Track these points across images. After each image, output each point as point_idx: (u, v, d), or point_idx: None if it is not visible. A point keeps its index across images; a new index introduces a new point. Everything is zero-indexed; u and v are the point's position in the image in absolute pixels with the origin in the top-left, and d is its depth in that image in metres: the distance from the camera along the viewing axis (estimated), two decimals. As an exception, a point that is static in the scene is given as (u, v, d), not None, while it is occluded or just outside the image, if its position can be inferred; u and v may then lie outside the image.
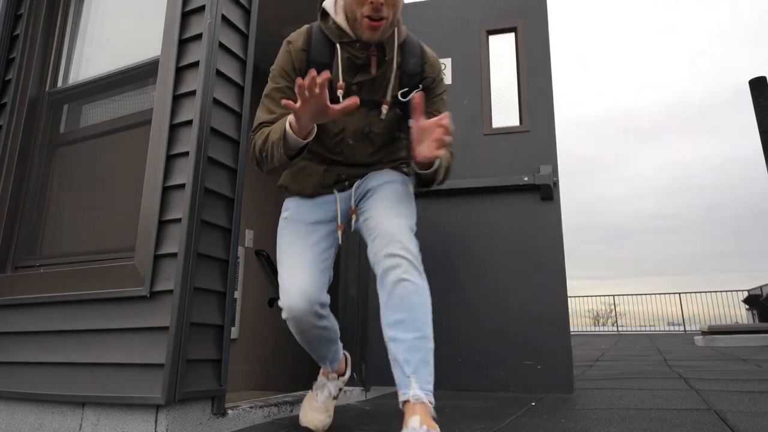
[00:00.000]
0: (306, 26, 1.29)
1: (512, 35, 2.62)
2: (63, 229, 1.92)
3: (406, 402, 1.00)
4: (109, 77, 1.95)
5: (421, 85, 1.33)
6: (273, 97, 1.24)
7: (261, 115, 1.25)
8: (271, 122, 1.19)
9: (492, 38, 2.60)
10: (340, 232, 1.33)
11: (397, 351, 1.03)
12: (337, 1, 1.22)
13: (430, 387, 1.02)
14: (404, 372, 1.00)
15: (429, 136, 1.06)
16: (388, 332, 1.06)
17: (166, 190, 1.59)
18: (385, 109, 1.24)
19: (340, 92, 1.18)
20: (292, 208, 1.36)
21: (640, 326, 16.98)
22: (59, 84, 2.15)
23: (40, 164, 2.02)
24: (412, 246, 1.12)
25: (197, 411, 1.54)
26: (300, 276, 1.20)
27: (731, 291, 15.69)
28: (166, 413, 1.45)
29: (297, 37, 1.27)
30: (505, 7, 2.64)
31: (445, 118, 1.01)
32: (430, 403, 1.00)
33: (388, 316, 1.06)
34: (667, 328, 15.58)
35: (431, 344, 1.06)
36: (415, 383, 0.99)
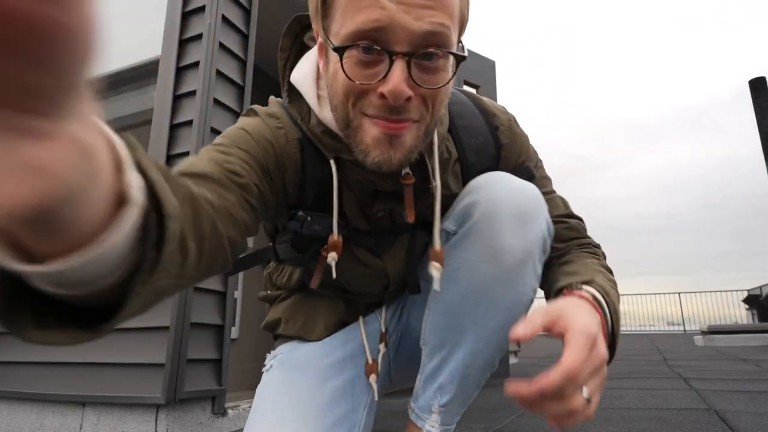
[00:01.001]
0: (279, 109, 0.72)
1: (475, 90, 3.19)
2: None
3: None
4: (108, 77, 1.96)
5: None
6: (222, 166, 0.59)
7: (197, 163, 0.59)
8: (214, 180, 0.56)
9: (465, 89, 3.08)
10: (373, 378, 0.77)
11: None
12: (319, 78, 0.68)
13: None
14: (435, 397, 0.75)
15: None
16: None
17: None
18: (436, 271, 0.66)
19: (332, 258, 0.66)
20: (285, 351, 0.84)
21: (640, 326, 16.94)
22: None
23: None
24: None
25: (197, 411, 1.55)
26: None
27: (731, 291, 15.60)
28: (167, 413, 1.46)
29: (283, 119, 0.70)
30: (472, 71, 3.55)
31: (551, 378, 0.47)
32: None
33: None
34: (666, 328, 15.57)
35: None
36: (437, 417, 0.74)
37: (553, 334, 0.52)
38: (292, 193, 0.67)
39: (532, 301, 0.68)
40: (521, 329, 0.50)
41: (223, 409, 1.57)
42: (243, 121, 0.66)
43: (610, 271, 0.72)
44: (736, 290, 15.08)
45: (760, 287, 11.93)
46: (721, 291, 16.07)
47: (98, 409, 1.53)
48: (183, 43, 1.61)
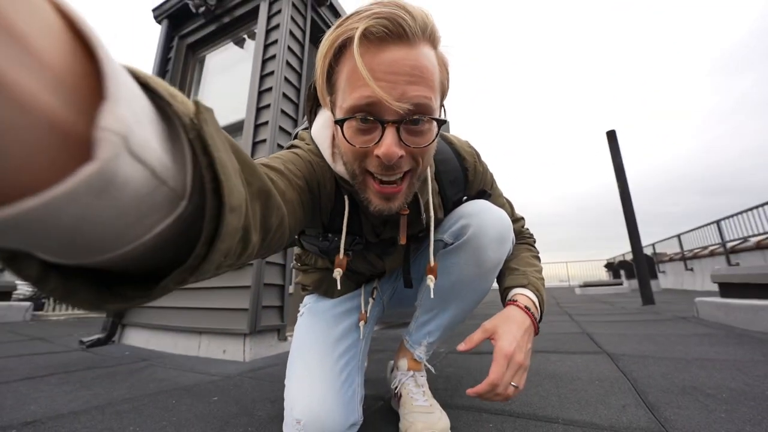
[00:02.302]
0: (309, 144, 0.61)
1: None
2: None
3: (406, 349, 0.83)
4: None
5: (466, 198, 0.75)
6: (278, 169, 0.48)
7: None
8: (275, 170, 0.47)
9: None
10: (362, 324, 0.74)
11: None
12: (327, 127, 0.58)
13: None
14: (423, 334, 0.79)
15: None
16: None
17: None
18: (432, 282, 0.59)
19: (337, 273, 0.57)
20: (312, 302, 0.83)
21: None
22: None
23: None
24: None
25: (269, 337, 1.71)
26: (315, 398, 0.62)
27: (597, 260, 15.93)
28: (250, 338, 1.58)
29: (325, 165, 0.57)
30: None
31: (492, 380, 0.51)
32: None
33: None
34: (559, 284, 15.64)
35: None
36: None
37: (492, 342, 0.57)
38: (324, 215, 0.61)
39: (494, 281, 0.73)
40: (463, 345, 0.54)
41: (284, 336, 1.76)
42: (290, 150, 0.58)
43: (538, 257, 0.78)
44: (600, 260, 15.28)
45: (614, 257, 12.10)
46: (591, 260, 16.31)
47: (209, 336, 1.68)
48: (259, 110, 1.65)
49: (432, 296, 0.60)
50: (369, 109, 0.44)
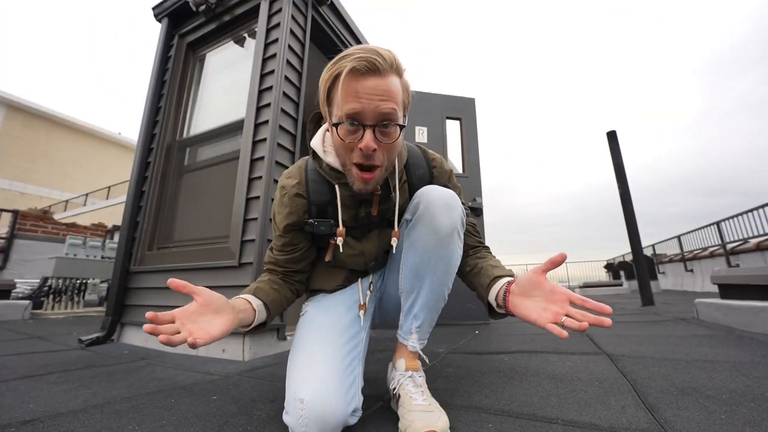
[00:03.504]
0: (299, 164, 0.87)
1: (458, 122, 3.11)
2: (186, 225, 1.94)
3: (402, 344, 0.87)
4: (213, 131, 1.98)
5: None
6: (279, 249, 0.86)
7: (270, 255, 0.90)
8: (275, 264, 0.87)
9: (448, 122, 3.19)
10: (361, 312, 0.86)
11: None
12: (324, 138, 0.82)
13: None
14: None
15: (548, 299, 0.59)
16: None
17: (248, 200, 1.78)
18: (395, 241, 0.79)
19: (339, 240, 0.79)
20: (312, 302, 0.91)
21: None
22: (185, 135, 2.45)
23: (173, 185, 2.05)
24: None
25: (268, 337, 1.73)
26: (319, 379, 0.66)
27: (596, 261, 15.93)
28: (249, 338, 1.59)
29: (289, 181, 0.84)
30: (454, 106, 3.14)
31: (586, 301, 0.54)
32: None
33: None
34: (558, 285, 15.37)
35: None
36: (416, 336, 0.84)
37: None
38: (306, 215, 0.84)
39: (460, 256, 0.80)
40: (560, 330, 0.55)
41: (284, 336, 1.78)
42: (276, 195, 0.86)
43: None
44: (599, 260, 15.29)
45: (614, 258, 12.12)
46: (591, 261, 16.35)
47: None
48: (259, 109, 1.66)
49: (394, 251, 0.84)
50: (355, 116, 0.66)
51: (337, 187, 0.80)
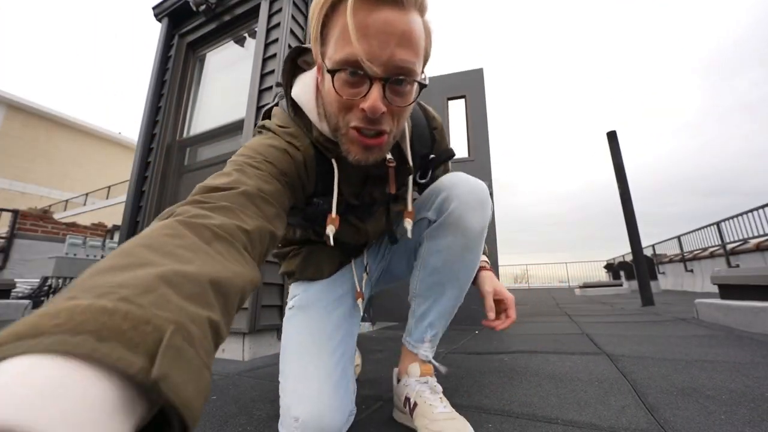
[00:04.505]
0: (287, 120, 0.60)
1: (463, 101, 2.78)
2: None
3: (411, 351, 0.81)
4: (213, 131, 1.97)
5: (431, 169, 0.76)
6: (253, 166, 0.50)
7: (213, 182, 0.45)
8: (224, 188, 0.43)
9: (450, 102, 2.91)
10: (359, 301, 0.77)
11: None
12: (310, 87, 0.59)
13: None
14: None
15: (500, 309, 0.77)
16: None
17: None
18: (409, 224, 0.65)
19: (330, 230, 0.60)
20: (300, 293, 0.79)
21: (543, 283, 17.11)
22: (185, 135, 2.45)
23: (173, 184, 2.04)
24: None
25: (268, 337, 1.71)
26: (314, 396, 0.61)
27: (596, 261, 15.94)
28: (249, 338, 1.58)
29: (292, 142, 0.57)
30: (457, 84, 2.80)
31: (510, 306, 0.75)
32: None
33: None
34: (558, 285, 15.66)
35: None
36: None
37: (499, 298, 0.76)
38: (308, 185, 0.62)
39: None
40: (491, 321, 0.73)
41: None
42: (262, 139, 0.57)
43: None
44: (599, 260, 15.30)
45: (614, 258, 12.14)
46: (590, 261, 16.29)
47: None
48: (259, 109, 1.64)
49: (410, 236, 0.66)
50: (359, 63, 0.46)
51: (334, 162, 0.60)
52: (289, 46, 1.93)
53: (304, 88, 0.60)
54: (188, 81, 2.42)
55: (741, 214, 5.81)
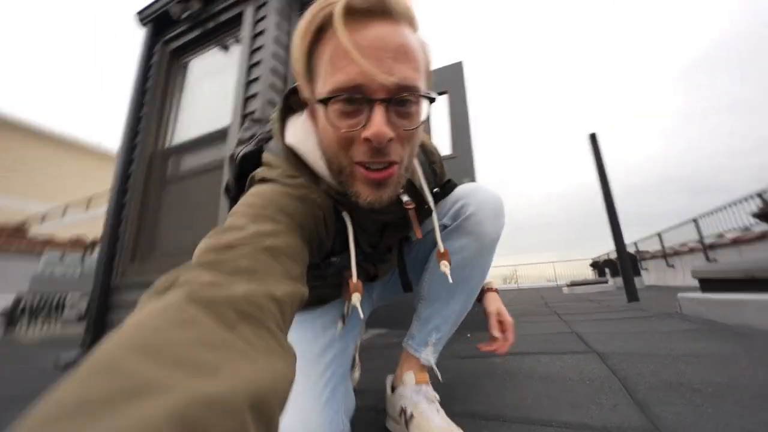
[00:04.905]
0: (292, 171, 0.50)
1: (446, 96, 2.66)
2: (170, 236, 1.88)
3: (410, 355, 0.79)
4: (197, 140, 1.95)
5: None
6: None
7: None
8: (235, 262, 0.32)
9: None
10: (339, 325, 0.67)
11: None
12: (309, 131, 0.51)
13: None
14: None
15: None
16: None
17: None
18: (446, 267, 0.58)
19: (356, 298, 0.52)
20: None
21: (532, 283, 17.35)
22: (167, 144, 2.38)
23: (155, 196, 2.01)
24: None
25: None
26: (303, 421, 0.55)
27: (582, 260, 16.30)
28: None
29: (311, 186, 0.49)
30: (438, 79, 2.67)
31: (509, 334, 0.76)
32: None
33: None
34: (547, 284, 15.85)
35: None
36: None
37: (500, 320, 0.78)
38: (326, 241, 0.52)
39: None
40: (493, 342, 0.76)
41: None
42: (270, 187, 0.47)
43: None
44: (585, 259, 15.62)
45: (599, 257, 12.41)
46: (577, 260, 16.65)
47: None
48: (244, 117, 1.65)
49: (451, 281, 0.59)
50: (354, 87, 0.40)
51: (347, 218, 0.53)
52: (275, 53, 1.91)
53: (301, 134, 0.51)
54: (171, 89, 2.37)
55: (717, 211, 6.03)
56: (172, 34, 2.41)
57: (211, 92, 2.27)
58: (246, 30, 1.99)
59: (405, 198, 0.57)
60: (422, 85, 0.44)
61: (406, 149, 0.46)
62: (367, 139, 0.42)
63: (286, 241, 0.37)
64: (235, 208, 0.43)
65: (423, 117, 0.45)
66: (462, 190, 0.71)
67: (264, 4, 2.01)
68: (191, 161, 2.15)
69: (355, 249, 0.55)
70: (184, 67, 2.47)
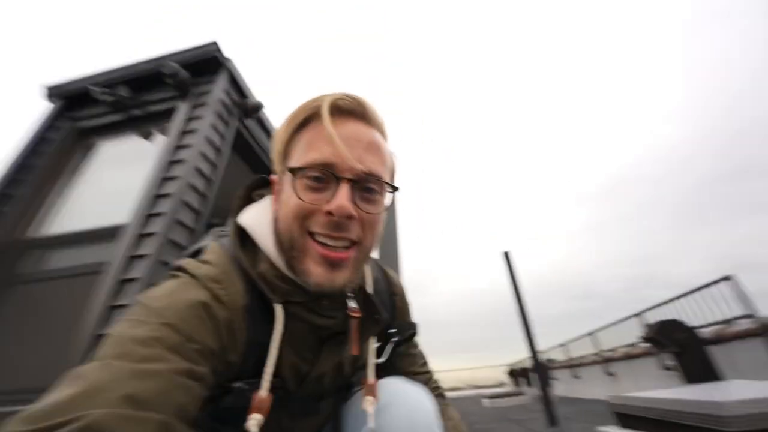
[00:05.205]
0: (223, 259, 0.47)
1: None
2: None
3: None
4: (77, 234, 1.62)
5: (394, 339, 0.61)
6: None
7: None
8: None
9: None
10: None
11: None
12: (265, 212, 0.52)
13: None
14: None
15: None
16: None
17: (99, 337, 1.30)
18: (370, 405, 0.47)
19: (254, 421, 0.39)
20: None
21: (451, 390, 16.69)
22: (34, 234, 1.92)
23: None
24: None
25: None
26: None
27: (498, 365, 16.92)
28: None
29: (225, 280, 0.45)
30: None
31: None
32: None
33: None
34: (466, 393, 15.38)
35: None
36: None
37: None
38: (231, 355, 0.44)
39: None
40: None
41: None
42: (175, 287, 0.42)
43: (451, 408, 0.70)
44: (501, 365, 16.25)
45: (515, 363, 12.96)
46: (493, 366, 17.19)
47: None
48: (149, 217, 1.47)
49: (371, 425, 0.45)
50: (325, 165, 0.44)
51: (279, 310, 0.45)
52: (202, 154, 1.78)
53: (256, 214, 0.53)
54: (63, 169, 2.00)
55: (610, 325, 6.77)
56: (87, 114, 2.16)
57: (114, 181, 1.96)
58: (176, 125, 1.86)
59: (352, 304, 0.50)
60: (386, 178, 0.49)
61: (367, 235, 0.47)
62: (329, 213, 0.43)
63: (183, 403, 0.33)
64: (130, 314, 0.38)
65: (384, 208, 0.48)
66: (389, 387, 0.52)
67: (202, 105, 1.94)
68: (61, 259, 1.69)
69: (275, 371, 0.44)
70: (90, 147, 2.14)
